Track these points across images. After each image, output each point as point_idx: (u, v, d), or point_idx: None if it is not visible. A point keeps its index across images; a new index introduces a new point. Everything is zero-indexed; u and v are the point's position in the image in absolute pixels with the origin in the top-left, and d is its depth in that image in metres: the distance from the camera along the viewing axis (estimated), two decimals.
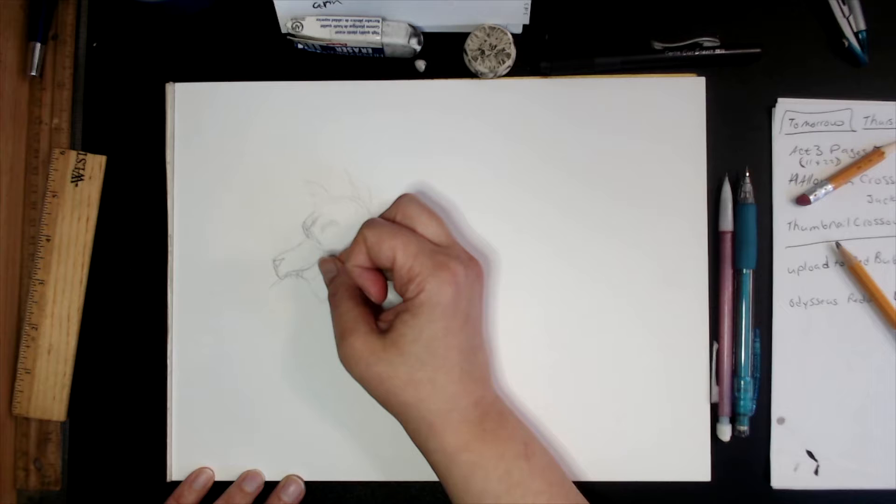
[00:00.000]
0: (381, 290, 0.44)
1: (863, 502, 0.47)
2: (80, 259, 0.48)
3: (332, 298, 0.44)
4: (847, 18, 0.47)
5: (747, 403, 0.47)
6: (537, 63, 0.47)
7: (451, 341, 0.40)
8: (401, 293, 0.42)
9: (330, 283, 0.45)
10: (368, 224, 0.42)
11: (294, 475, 0.48)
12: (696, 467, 0.47)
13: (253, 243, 0.48)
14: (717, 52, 0.47)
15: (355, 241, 0.42)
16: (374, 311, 0.44)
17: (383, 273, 0.44)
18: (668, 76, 0.48)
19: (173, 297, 0.48)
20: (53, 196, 0.48)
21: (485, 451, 0.40)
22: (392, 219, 0.44)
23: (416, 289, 0.40)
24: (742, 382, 0.47)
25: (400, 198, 0.44)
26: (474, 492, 0.40)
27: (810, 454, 0.47)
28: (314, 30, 0.46)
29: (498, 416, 0.42)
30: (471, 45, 0.47)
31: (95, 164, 0.48)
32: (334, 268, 0.45)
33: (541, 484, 0.41)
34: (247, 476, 0.47)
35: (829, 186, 0.47)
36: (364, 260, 0.42)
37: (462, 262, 0.41)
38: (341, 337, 0.42)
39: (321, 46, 0.47)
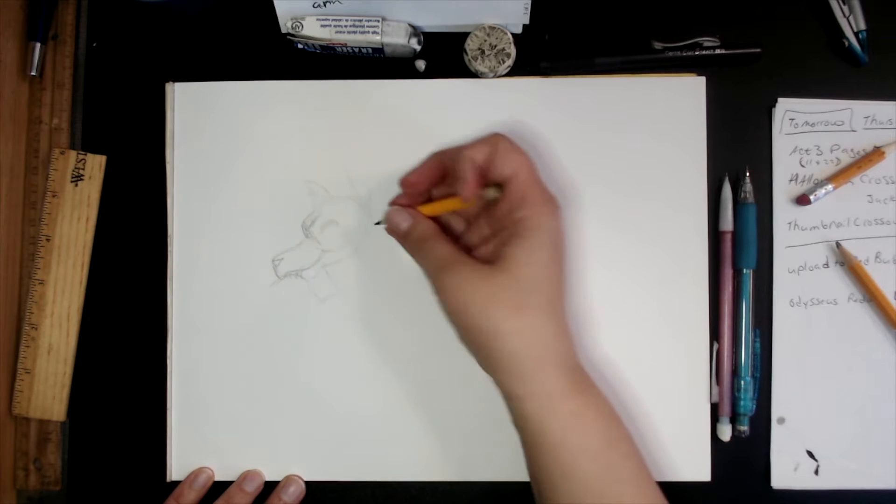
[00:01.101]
0: (476, 191, 0.41)
1: (863, 502, 0.47)
2: (80, 259, 0.48)
3: (420, 244, 0.42)
4: (847, 18, 0.47)
5: (747, 403, 0.47)
6: (537, 63, 0.47)
7: (558, 272, 0.39)
8: (507, 212, 0.40)
9: (408, 231, 0.43)
10: (500, 134, 0.41)
11: (294, 475, 0.48)
12: (696, 467, 0.47)
13: (252, 243, 0.48)
14: (717, 52, 0.47)
15: (483, 140, 0.41)
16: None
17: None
18: (668, 76, 0.48)
19: (173, 297, 0.48)
20: (53, 196, 0.48)
21: (584, 401, 0.39)
22: (487, 152, 0.41)
23: (529, 210, 0.39)
24: (742, 382, 0.47)
25: (494, 136, 0.42)
26: (572, 444, 0.38)
27: (810, 454, 0.47)
28: (314, 30, 0.46)
29: (584, 370, 0.41)
30: (471, 44, 0.47)
31: (95, 164, 0.48)
32: (408, 220, 0.43)
33: (631, 447, 0.40)
34: (247, 476, 0.47)
35: (830, 186, 0.47)
36: (482, 158, 0.40)
37: (559, 202, 0.41)
38: (443, 269, 0.40)
39: (321, 46, 0.47)
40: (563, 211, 0.41)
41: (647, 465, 0.41)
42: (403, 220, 0.43)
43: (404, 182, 0.44)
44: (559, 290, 0.40)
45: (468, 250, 0.43)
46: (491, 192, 0.41)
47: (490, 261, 0.40)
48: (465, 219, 0.45)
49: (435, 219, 0.44)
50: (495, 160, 0.40)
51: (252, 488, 0.47)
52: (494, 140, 0.41)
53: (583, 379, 0.40)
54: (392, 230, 0.44)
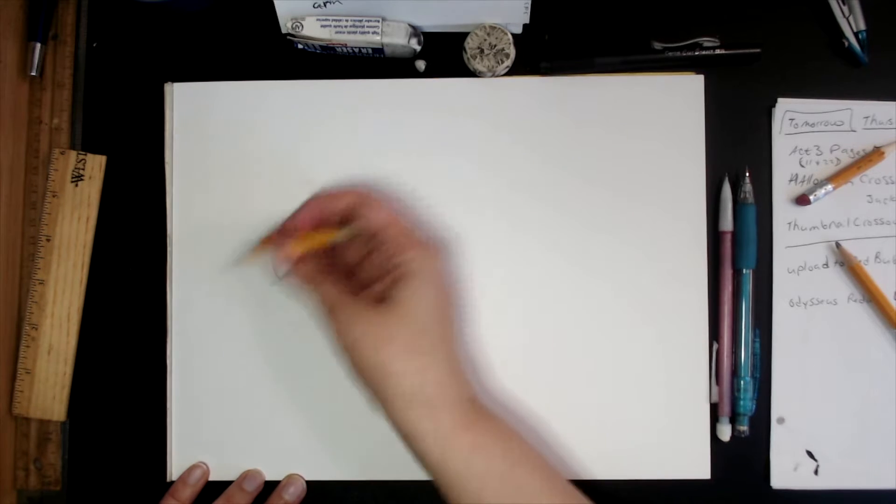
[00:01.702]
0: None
1: (863, 502, 0.47)
2: (80, 259, 0.48)
3: (306, 286, 0.42)
4: (847, 18, 0.47)
5: (747, 403, 0.47)
6: (537, 63, 0.47)
7: (446, 313, 0.40)
8: (386, 262, 0.41)
9: (290, 276, 0.43)
10: (364, 191, 0.43)
11: (295, 474, 0.48)
12: (696, 466, 0.47)
13: (252, 243, 0.48)
14: (717, 52, 0.47)
15: (342, 193, 0.42)
16: None
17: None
18: (666, 75, 0.48)
19: (173, 297, 0.48)
20: (53, 196, 0.48)
21: (483, 428, 0.39)
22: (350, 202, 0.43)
23: (408, 257, 0.40)
24: (742, 382, 0.47)
25: (359, 190, 0.43)
26: (477, 473, 0.38)
27: (810, 454, 0.47)
28: (314, 30, 0.46)
29: (481, 401, 0.42)
30: (470, 43, 0.47)
31: (95, 164, 0.48)
32: (288, 261, 0.43)
33: (538, 460, 0.40)
34: (247, 475, 0.47)
35: (829, 186, 0.47)
36: (342, 205, 0.42)
37: (436, 243, 0.43)
38: (335, 308, 0.41)
39: (321, 46, 0.47)
40: (444, 253, 0.42)
41: (556, 470, 0.42)
42: (281, 266, 0.44)
43: (283, 228, 0.44)
44: (449, 330, 0.41)
45: (360, 288, 0.43)
46: (342, 233, 0.42)
47: (379, 301, 0.41)
48: (352, 264, 0.44)
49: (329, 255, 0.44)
50: (361, 211, 0.42)
51: (252, 487, 0.47)
52: (357, 192, 0.42)
53: (479, 410, 0.41)
54: (276, 272, 0.44)
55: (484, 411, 0.41)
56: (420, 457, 0.40)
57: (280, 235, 0.44)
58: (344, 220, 0.43)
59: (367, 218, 0.41)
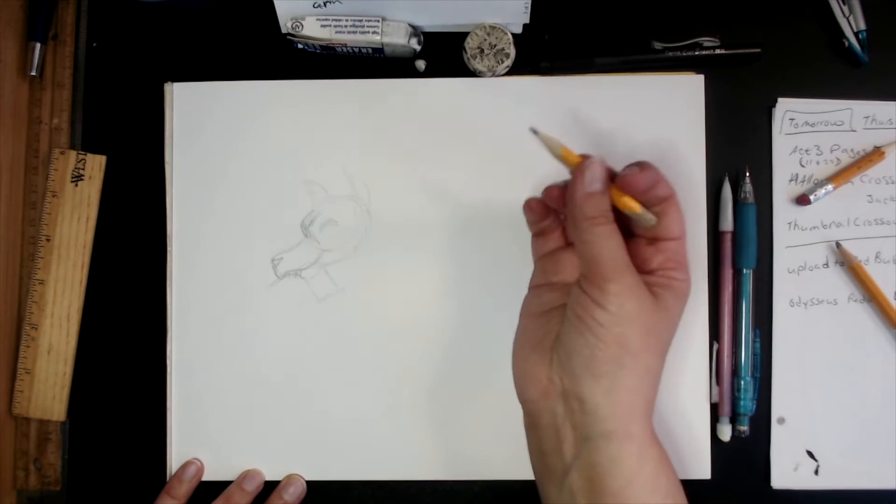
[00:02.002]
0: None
1: (863, 502, 0.47)
2: (80, 259, 0.48)
3: (601, 222, 0.37)
4: (847, 18, 0.47)
5: (747, 403, 0.47)
6: (537, 63, 0.47)
7: (671, 336, 0.40)
8: (656, 268, 0.39)
9: (597, 197, 0.37)
10: (674, 193, 0.39)
11: (296, 474, 0.48)
12: (696, 465, 0.47)
13: (252, 243, 0.48)
14: (717, 52, 0.47)
15: (667, 184, 0.38)
16: None
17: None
18: (666, 75, 0.48)
19: (173, 297, 0.48)
20: (53, 196, 0.48)
21: (658, 452, 0.38)
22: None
23: (683, 277, 0.39)
24: (742, 382, 0.47)
25: (673, 194, 0.39)
26: (662, 489, 0.37)
27: (810, 454, 0.47)
28: (314, 30, 0.46)
29: None
30: (470, 43, 0.47)
31: (95, 164, 0.48)
32: (605, 182, 0.37)
33: (680, 496, 0.39)
34: (247, 475, 0.47)
35: (829, 186, 0.47)
36: (647, 186, 0.37)
37: None
38: (624, 270, 0.37)
39: (321, 46, 0.47)
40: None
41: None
42: (598, 181, 0.37)
43: (606, 165, 0.38)
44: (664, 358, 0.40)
45: None
46: (649, 216, 0.38)
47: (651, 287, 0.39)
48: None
49: None
50: (668, 209, 0.39)
51: (252, 487, 0.47)
52: (673, 192, 0.39)
53: (649, 411, 0.39)
54: (579, 180, 0.37)
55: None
56: (608, 460, 0.37)
57: (602, 165, 0.38)
58: (641, 200, 0.39)
59: (672, 221, 0.39)
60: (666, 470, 0.38)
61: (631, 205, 0.38)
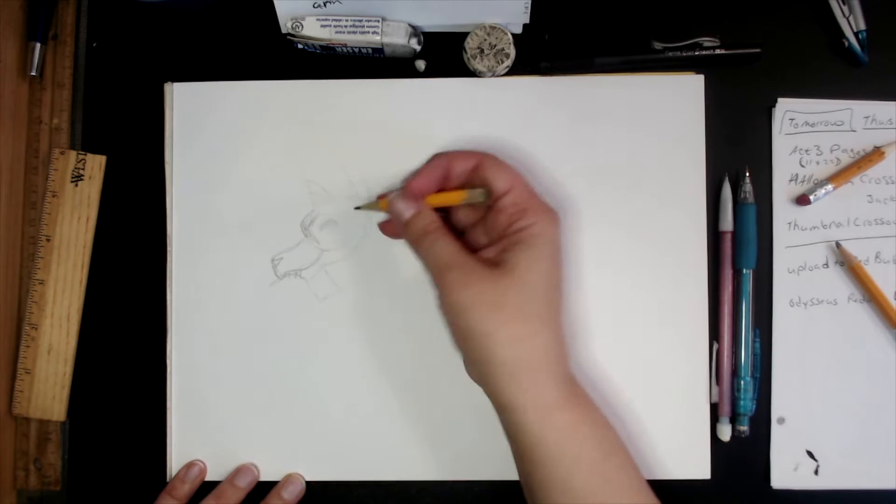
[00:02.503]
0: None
1: (863, 502, 0.47)
2: (80, 259, 0.48)
3: (423, 237, 0.41)
4: (847, 18, 0.47)
5: (747, 403, 0.47)
6: (537, 63, 0.47)
7: (558, 282, 0.39)
8: (507, 223, 0.40)
9: (410, 222, 0.42)
10: (488, 153, 0.42)
11: (295, 473, 0.48)
12: (696, 465, 0.47)
13: (252, 243, 0.48)
14: (717, 52, 0.47)
15: (469, 153, 0.42)
16: None
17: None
18: (666, 75, 0.48)
19: (173, 297, 0.48)
20: (53, 196, 0.48)
21: (583, 411, 0.39)
22: (473, 162, 0.43)
23: (530, 220, 0.39)
24: (742, 382, 0.47)
25: (482, 152, 0.43)
26: (569, 456, 0.37)
27: (810, 454, 0.47)
28: (314, 30, 0.46)
29: (578, 381, 0.41)
30: (470, 43, 0.47)
31: (95, 164, 0.48)
32: (416, 205, 0.42)
33: (627, 456, 0.39)
34: (239, 471, 0.47)
35: (829, 186, 0.47)
36: (470, 164, 0.41)
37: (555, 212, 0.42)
38: (447, 268, 0.39)
39: (321, 46, 0.47)
40: (560, 221, 0.42)
41: (641, 473, 0.41)
42: (407, 209, 0.42)
43: (409, 187, 0.43)
44: (559, 300, 0.40)
45: (472, 251, 0.42)
46: (478, 194, 0.42)
47: (493, 266, 0.40)
48: (461, 227, 0.45)
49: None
50: (486, 173, 0.41)
51: (244, 483, 0.47)
52: (483, 154, 0.42)
53: (577, 390, 0.40)
54: (395, 217, 0.42)
55: (582, 392, 0.40)
56: (514, 430, 0.39)
57: (403, 195, 0.42)
58: (465, 182, 0.42)
59: (494, 179, 0.40)
60: (578, 436, 0.38)
61: (449, 199, 0.42)
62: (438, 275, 0.40)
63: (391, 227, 0.45)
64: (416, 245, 0.41)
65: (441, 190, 0.43)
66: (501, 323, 0.38)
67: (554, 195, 0.48)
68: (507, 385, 0.38)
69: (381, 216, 0.47)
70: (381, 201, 0.44)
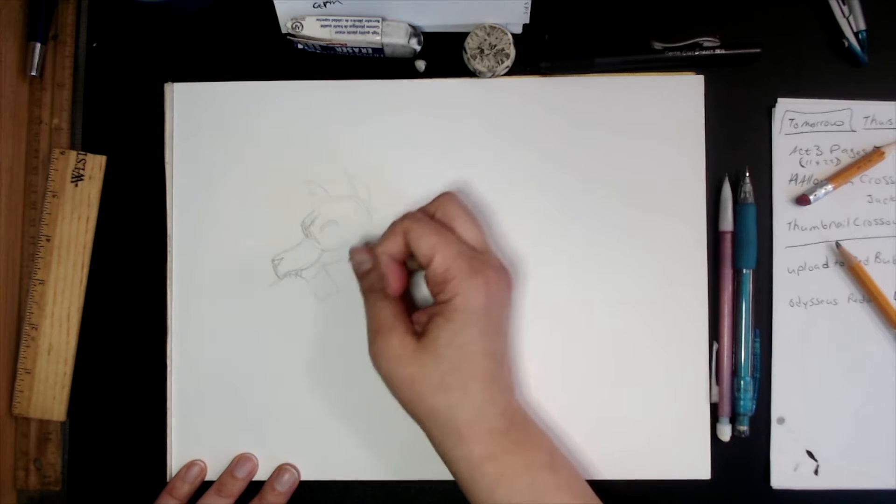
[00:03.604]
0: (402, 284, 0.43)
1: (863, 502, 0.47)
2: (80, 259, 0.48)
3: (368, 293, 0.43)
4: (847, 18, 0.47)
5: (747, 403, 0.47)
6: (537, 63, 0.47)
7: (483, 347, 0.40)
8: (433, 293, 0.41)
9: (364, 275, 0.44)
10: (410, 217, 0.42)
11: (288, 464, 0.48)
12: (696, 466, 0.47)
13: (252, 243, 0.48)
14: (717, 52, 0.47)
15: (393, 229, 0.42)
16: (408, 309, 0.43)
17: (405, 266, 0.44)
18: (666, 75, 0.48)
19: (173, 297, 0.48)
20: (53, 196, 0.48)
21: (510, 461, 0.40)
22: (431, 215, 0.43)
23: (452, 292, 0.40)
24: (742, 382, 0.47)
25: (441, 196, 0.44)
26: (500, 503, 0.39)
27: (810, 454, 0.47)
28: (314, 30, 0.46)
29: (523, 426, 0.42)
30: (470, 43, 0.47)
31: (95, 164, 0.48)
32: (368, 260, 0.44)
33: (565, 495, 0.41)
34: (238, 461, 0.47)
35: (829, 186, 0.47)
36: (398, 251, 0.42)
37: (496, 269, 0.42)
38: (376, 333, 0.41)
39: (321, 46, 0.47)
40: (500, 275, 0.42)
41: (584, 493, 0.42)
42: (361, 263, 0.44)
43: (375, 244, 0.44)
44: (489, 362, 0.40)
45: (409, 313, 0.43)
46: (414, 263, 0.43)
47: (420, 332, 0.41)
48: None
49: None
50: (410, 240, 0.41)
51: (243, 474, 0.47)
52: (403, 227, 0.42)
53: (514, 438, 0.41)
54: (353, 268, 0.45)
55: (520, 438, 0.41)
56: (455, 479, 0.41)
57: (363, 248, 0.45)
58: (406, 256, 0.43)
59: (416, 248, 0.41)
60: (507, 483, 0.40)
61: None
62: (369, 333, 0.42)
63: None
64: (363, 297, 0.44)
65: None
66: (424, 393, 0.40)
67: (554, 195, 0.47)
68: (436, 441, 0.41)
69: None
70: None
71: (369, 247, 0.45)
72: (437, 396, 0.40)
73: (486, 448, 0.40)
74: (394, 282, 0.42)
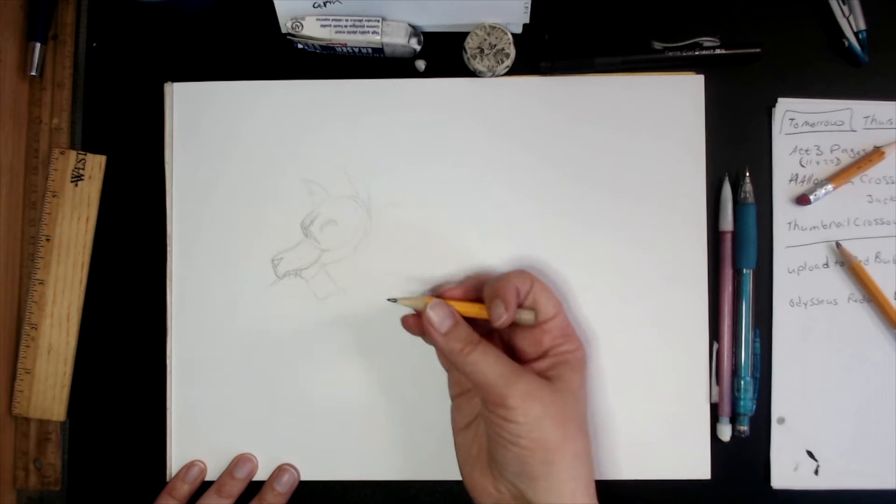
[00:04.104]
0: (514, 313, 0.42)
1: (863, 502, 0.47)
2: (80, 259, 0.48)
3: (471, 348, 0.40)
4: (847, 18, 0.47)
5: (747, 403, 0.47)
6: (537, 63, 0.47)
7: (585, 404, 0.42)
8: (549, 346, 0.42)
9: (450, 331, 0.41)
10: (536, 279, 0.42)
11: (287, 464, 0.48)
12: (697, 466, 0.47)
13: (252, 243, 0.48)
14: (717, 51, 0.47)
15: (521, 273, 0.42)
16: None
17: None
18: (666, 75, 0.48)
19: (173, 297, 0.48)
20: (53, 196, 0.48)
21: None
22: (514, 289, 0.42)
23: (573, 346, 0.42)
24: (742, 382, 0.47)
25: (527, 273, 0.43)
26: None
27: (810, 454, 0.47)
28: (314, 30, 0.46)
29: (594, 476, 0.42)
30: (470, 43, 0.47)
31: (95, 164, 0.48)
32: (453, 317, 0.41)
33: None
34: (238, 461, 0.47)
35: (829, 186, 0.47)
36: (524, 289, 0.42)
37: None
38: (512, 379, 0.39)
39: (321, 46, 0.47)
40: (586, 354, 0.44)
41: None
42: (447, 318, 0.41)
43: (444, 295, 0.44)
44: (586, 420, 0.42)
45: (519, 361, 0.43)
46: (527, 315, 0.42)
47: (546, 379, 0.41)
48: (513, 337, 0.44)
49: None
50: (537, 296, 0.42)
51: (243, 474, 0.47)
52: (530, 277, 0.42)
53: (592, 486, 0.41)
54: (428, 325, 0.41)
55: (593, 487, 0.42)
56: None
57: (439, 304, 0.42)
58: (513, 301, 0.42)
59: (543, 304, 0.42)
60: None
61: (471, 310, 0.42)
62: (500, 385, 0.39)
63: (416, 325, 0.44)
64: (461, 358, 0.40)
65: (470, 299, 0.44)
66: (572, 435, 0.40)
67: (554, 195, 0.47)
68: (565, 489, 0.39)
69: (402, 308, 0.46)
70: (424, 299, 0.43)
71: (440, 299, 0.42)
72: (581, 440, 0.40)
73: (586, 492, 0.40)
74: (512, 310, 0.41)
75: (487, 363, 0.40)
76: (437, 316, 0.41)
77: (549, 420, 0.39)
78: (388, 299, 0.44)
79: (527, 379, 0.39)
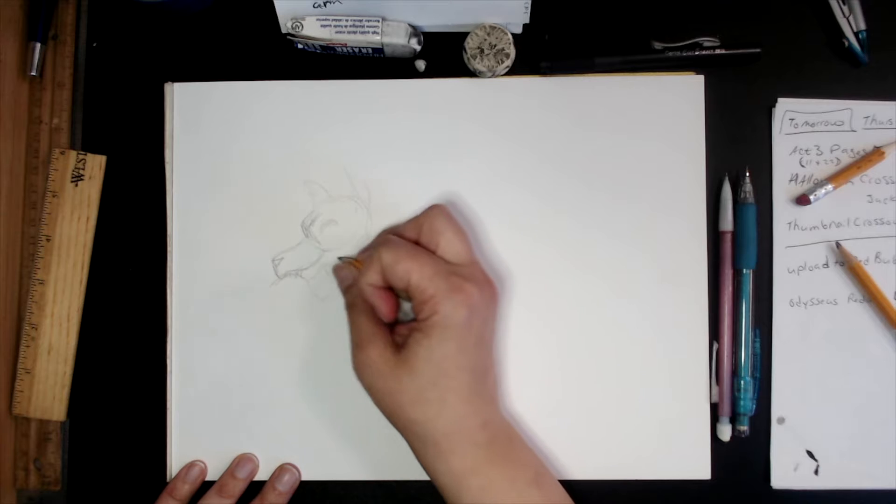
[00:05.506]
0: (392, 309, 0.43)
1: (863, 502, 0.47)
2: (80, 259, 0.48)
3: (350, 308, 0.44)
4: (847, 18, 0.47)
5: (747, 403, 0.47)
6: (537, 63, 0.47)
7: (462, 361, 0.40)
8: (415, 312, 0.41)
9: (346, 291, 0.45)
10: (385, 242, 0.42)
11: (288, 464, 0.48)
12: (697, 466, 0.47)
13: (252, 243, 0.48)
14: (717, 51, 0.47)
15: (370, 259, 0.42)
16: (391, 323, 0.44)
17: (395, 292, 0.44)
18: (666, 75, 0.48)
19: (173, 297, 0.48)
20: (53, 196, 0.48)
21: (495, 475, 0.40)
22: (418, 229, 0.43)
23: (430, 310, 0.40)
24: (742, 382, 0.47)
25: (429, 209, 0.44)
26: None
27: (810, 454, 0.47)
28: (314, 30, 0.46)
29: (506, 440, 0.42)
30: (470, 43, 0.47)
31: (95, 164, 0.48)
32: (350, 276, 0.45)
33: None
34: (239, 461, 0.47)
35: (829, 186, 0.47)
36: (377, 279, 0.42)
37: (478, 283, 0.41)
38: (357, 347, 0.42)
39: (321, 46, 0.47)
40: (483, 289, 0.41)
41: None
42: (343, 280, 0.46)
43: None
44: (467, 375, 0.41)
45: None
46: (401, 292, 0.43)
47: (401, 345, 0.41)
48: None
49: None
50: (386, 274, 0.41)
51: (244, 474, 0.47)
52: (378, 256, 0.41)
53: (497, 451, 0.41)
54: (338, 283, 0.46)
55: (503, 451, 0.41)
56: (440, 491, 0.42)
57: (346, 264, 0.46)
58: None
59: (392, 276, 0.41)
60: (492, 496, 0.40)
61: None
62: (351, 346, 0.43)
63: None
64: (347, 311, 0.44)
65: None
66: (402, 406, 0.40)
67: (554, 195, 0.48)
68: (421, 454, 0.41)
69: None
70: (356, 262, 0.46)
71: (350, 261, 0.46)
72: (414, 409, 0.40)
73: (466, 461, 0.40)
74: (384, 309, 0.43)
75: (354, 323, 0.43)
76: (340, 273, 0.46)
77: (380, 390, 0.41)
78: (338, 258, 0.48)
79: (366, 352, 0.41)
